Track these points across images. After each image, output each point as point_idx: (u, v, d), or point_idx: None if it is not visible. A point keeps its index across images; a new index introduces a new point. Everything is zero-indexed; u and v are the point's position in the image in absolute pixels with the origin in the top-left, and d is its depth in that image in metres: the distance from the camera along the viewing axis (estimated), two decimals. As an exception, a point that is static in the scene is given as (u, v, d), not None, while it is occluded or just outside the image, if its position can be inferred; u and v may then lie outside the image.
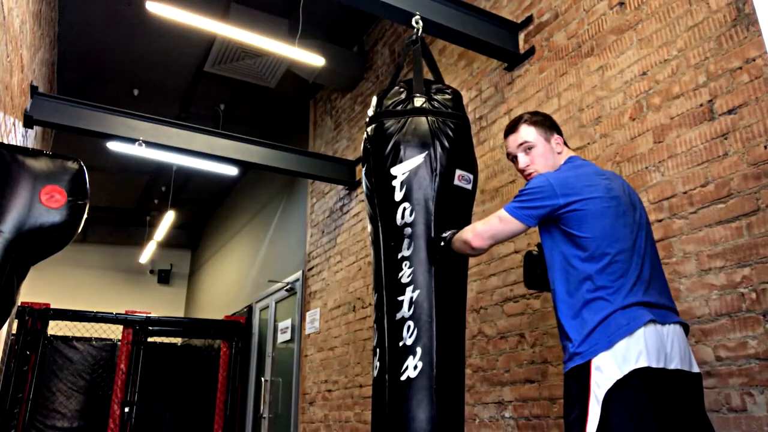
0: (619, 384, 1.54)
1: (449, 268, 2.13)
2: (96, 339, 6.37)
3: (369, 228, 2.28)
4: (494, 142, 3.54)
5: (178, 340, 7.31)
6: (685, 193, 2.36)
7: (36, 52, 4.37)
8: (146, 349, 6.26)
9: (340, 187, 5.50)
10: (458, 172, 2.19)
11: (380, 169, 2.19)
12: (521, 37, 3.47)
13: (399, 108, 2.24)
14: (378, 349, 2.08)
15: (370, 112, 2.35)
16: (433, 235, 2.10)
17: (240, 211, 8.88)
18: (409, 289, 2.04)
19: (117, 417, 5.82)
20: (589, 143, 2.87)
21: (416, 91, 2.26)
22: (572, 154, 2.00)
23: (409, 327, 2.01)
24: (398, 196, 2.13)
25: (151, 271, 11.23)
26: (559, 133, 2.02)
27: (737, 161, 2.18)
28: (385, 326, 2.06)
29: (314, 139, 6.43)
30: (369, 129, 2.31)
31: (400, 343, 2.00)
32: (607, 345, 1.58)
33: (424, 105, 2.23)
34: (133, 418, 5.92)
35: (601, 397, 1.54)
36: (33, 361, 5.60)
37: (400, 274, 2.06)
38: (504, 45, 3.40)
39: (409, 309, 2.02)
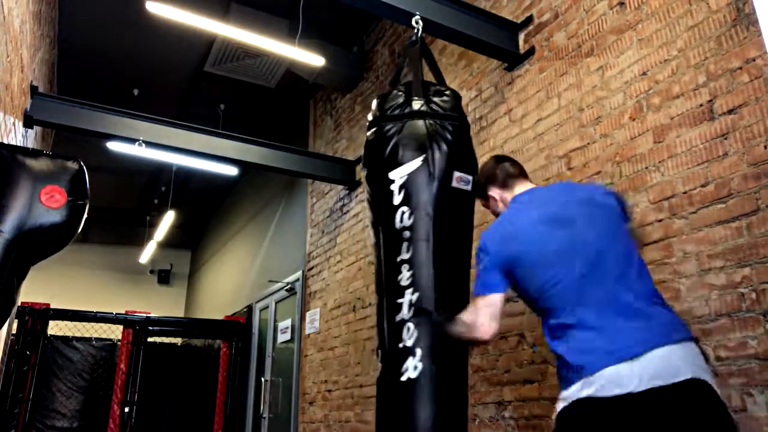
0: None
1: (451, 270, 2.14)
2: (96, 339, 6.36)
3: (371, 232, 2.28)
4: (494, 142, 3.54)
5: (178, 340, 7.31)
6: (685, 193, 2.35)
7: (36, 52, 4.37)
8: (146, 349, 6.26)
9: (340, 187, 5.50)
10: (456, 174, 2.20)
11: (379, 173, 2.20)
12: (521, 37, 3.47)
13: (397, 112, 2.25)
14: (380, 351, 2.10)
15: (370, 116, 2.35)
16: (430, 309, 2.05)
17: (240, 211, 8.88)
18: (408, 291, 2.05)
19: (117, 417, 5.81)
20: (589, 143, 2.87)
21: (414, 94, 2.26)
22: (517, 193, 1.94)
23: (408, 329, 2.02)
24: (397, 199, 2.13)
25: (151, 271, 11.23)
26: (497, 182, 1.98)
27: (737, 161, 2.18)
28: (386, 328, 2.08)
29: (314, 139, 6.43)
30: (369, 133, 2.32)
31: (400, 345, 2.01)
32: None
33: (421, 108, 2.24)
34: (133, 418, 5.92)
35: None
36: (33, 361, 5.60)
37: (400, 277, 2.07)
38: (504, 45, 3.40)
39: (408, 311, 2.03)
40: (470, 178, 2.25)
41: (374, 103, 2.35)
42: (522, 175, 1.99)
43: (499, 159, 2.06)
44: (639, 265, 1.69)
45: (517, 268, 1.72)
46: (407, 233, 2.10)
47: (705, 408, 1.46)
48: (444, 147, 2.18)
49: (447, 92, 2.34)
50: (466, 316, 1.81)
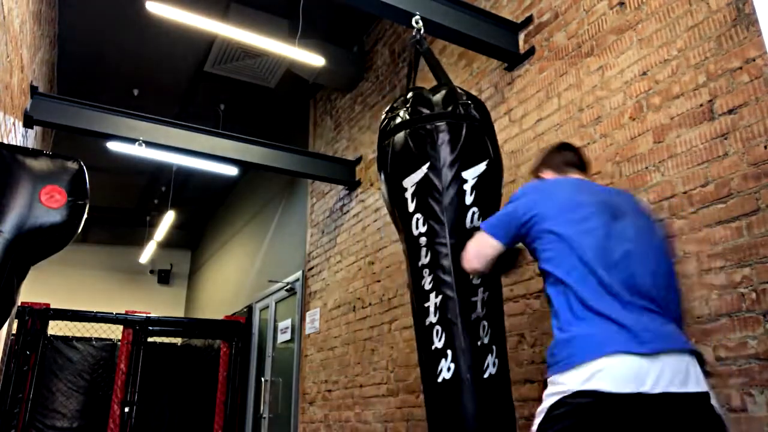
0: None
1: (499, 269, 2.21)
2: (96, 339, 6.37)
3: (420, 228, 2.23)
4: (494, 142, 3.54)
5: (178, 340, 7.31)
6: (685, 193, 2.35)
7: (36, 52, 4.37)
8: (146, 349, 6.26)
9: (340, 187, 5.50)
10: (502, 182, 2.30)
11: (447, 174, 2.19)
12: (521, 37, 3.47)
13: (458, 112, 2.25)
14: (449, 351, 2.09)
15: (411, 108, 2.29)
16: None
17: (240, 211, 8.88)
18: (481, 290, 2.10)
19: (117, 417, 5.81)
20: (589, 143, 2.87)
21: (458, 97, 2.29)
22: (557, 177, 1.99)
23: (484, 326, 2.08)
24: (468, 199, 2.16)
25: (151, 271, 11.23)
26: (552, 165, 2.02)
27: (737, 161, 2.18)
28: (459, 326, 2.09)
29: (314, 139, 6.43)
30: (417, 126, 2.26)
31: (479, 343, 2.05)
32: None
33: (473, 112, 2.27)
34: (133, 418, 5.92)
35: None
36: (33, 361, 5.60)
37: (472, 276, 2.09)
38: (504, 45, 3.40)
39: (482, 309, 2.08)
40: None
41: (413, 97, 2.31)
42: (579, 168, 2.01)
43: (563, 147, 2.10)
44: (674, 281, 1.71)
45: (546, 223, 1.70)
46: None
47: (710, 426, 1.48)
48: (496, 153, 2.27)
49: (476, 99, 2.38)
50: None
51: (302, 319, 5.90)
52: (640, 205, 1.89)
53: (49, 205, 2.27)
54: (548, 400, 1.52)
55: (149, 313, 6.40)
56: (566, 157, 2.02)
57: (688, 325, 1.87)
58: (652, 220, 1.83)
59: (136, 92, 6.47)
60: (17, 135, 3.92)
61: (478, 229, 1.98)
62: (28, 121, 4.11)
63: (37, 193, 2.26)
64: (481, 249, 1.86)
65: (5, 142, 3.41)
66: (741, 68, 2.22)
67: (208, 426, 6.42)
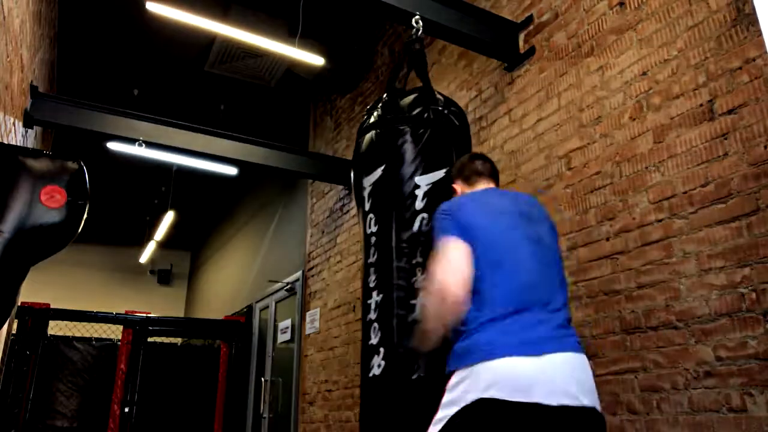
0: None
1: None
2: (96, 339, 6.36)
3: (372, 228, 2.26)
4: (494, 142, 3.54)
5: (178, 340, 7.31)
6: (685, 193, 2.35)
7: (36, 52, 4.37)
8: (146, 349, 6.26)
9: (340, 187, 5.50)
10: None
11: (401, 177, 2.20)
12: (521, 37, 3.47)
13: (425, 116, 2.25)
14: (382, 349, 2.11)
15: (379, 112, 2.31)
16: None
17: (240, 211, 8.88)
18: (422, 293, 2.09)
19: (117, 417, 5.81)
20: (589, 143, 2.87)
21: (432, 102, 2.28)
22: (471, 190, 2.00)
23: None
24: (419, 205, 2.16)
25: (151, 271, 11.23)
26: (462, 176, 2.02)
27: (737, 161, 2.18)
28: (395, 327, 2.09)
29: (314, 139, 6.43)
30: (380, 130, 2.28)
31: (411, 345, 2.04)
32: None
33: (443, 118, 2.26)
34: (133, 418, 5.92)
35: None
36: (33, 361, 5.60)
37: (414, 279, 2.10)
38: (504, 45, 3.40)
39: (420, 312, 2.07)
40: None
41: (388, 100, 2.32)
42: (489, 175, 2.03)
43: (473, 157, 2.11)
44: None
45: (472, 238, 1.70)
46: (423, 239, 2.14)
47: None
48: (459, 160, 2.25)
49: (455, 105, 2.37)
50: (431, 277, 1.70)
51: (302, 319, 5.90)
52: (526, 205, 1.91)
53: (49, 205, 2.27)
54: None
55: (149, 313, 6.40)
56: (475, 167, 2.03)
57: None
58: (547, 218, 1.89)
59: (136, 92, 6.47)
60: (17, 135, 3.92)
61: (430, 247, 1.87)
62: (28, 121, 4.11)
63: (37, 193, 2.25)
64: (452, 261, 1.65)
65: (5, 142, 3.41)
66: (741, 68, 2.22)
67: (208, 426, 6.42)
